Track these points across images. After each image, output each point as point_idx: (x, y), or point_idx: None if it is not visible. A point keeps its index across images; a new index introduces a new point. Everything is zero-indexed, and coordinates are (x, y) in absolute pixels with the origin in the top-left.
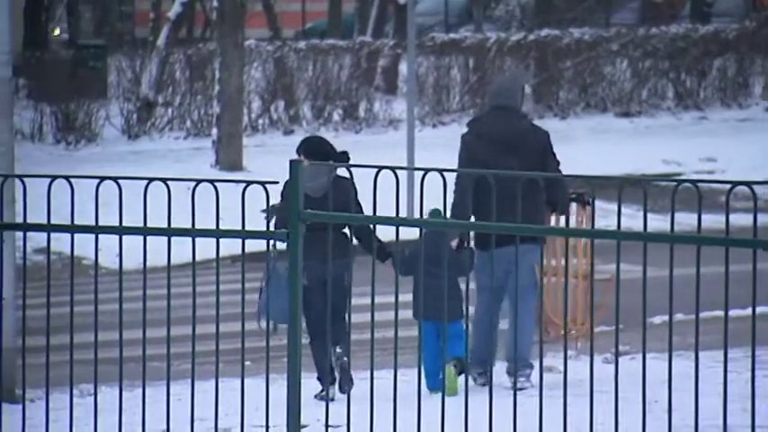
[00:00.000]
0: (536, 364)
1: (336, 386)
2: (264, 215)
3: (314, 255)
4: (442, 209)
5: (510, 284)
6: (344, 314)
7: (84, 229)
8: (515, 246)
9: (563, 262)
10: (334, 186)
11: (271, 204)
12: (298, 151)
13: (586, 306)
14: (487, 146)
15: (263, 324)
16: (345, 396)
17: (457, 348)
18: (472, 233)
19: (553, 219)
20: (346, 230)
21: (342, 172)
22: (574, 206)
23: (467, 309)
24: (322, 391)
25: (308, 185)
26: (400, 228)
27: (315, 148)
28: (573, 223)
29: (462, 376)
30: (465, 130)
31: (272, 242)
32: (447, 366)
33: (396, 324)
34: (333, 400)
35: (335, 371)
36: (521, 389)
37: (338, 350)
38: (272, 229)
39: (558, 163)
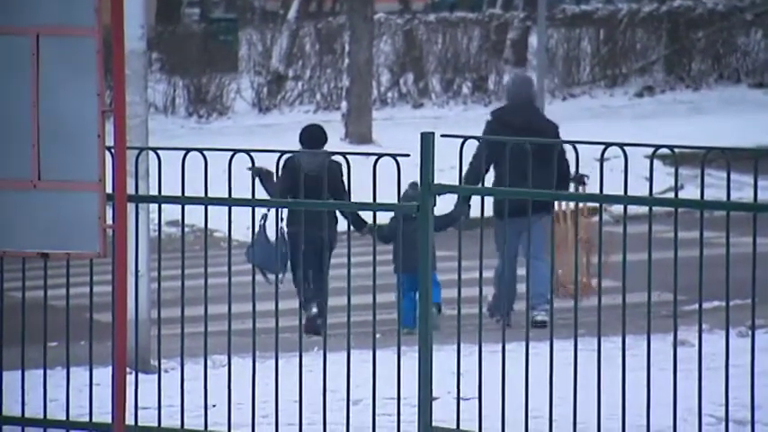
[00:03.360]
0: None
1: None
2: (251, 173)
3: (306, 221)
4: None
5: (523, 243)
6: (326, 275)
7: (218, 202)
8: (527, 215)
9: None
10: (329, 167)
11: (256, 166)
12: (300, 139)
13: (587, 264)
14: (506, 131)
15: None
16: (477, 369)
17: (434, 295)
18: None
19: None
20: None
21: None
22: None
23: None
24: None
25: (306, 164)
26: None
27: (312, 136)
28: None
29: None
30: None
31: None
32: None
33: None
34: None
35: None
36: (541, 321)
37: (314, 310)
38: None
39: (564, 152)
